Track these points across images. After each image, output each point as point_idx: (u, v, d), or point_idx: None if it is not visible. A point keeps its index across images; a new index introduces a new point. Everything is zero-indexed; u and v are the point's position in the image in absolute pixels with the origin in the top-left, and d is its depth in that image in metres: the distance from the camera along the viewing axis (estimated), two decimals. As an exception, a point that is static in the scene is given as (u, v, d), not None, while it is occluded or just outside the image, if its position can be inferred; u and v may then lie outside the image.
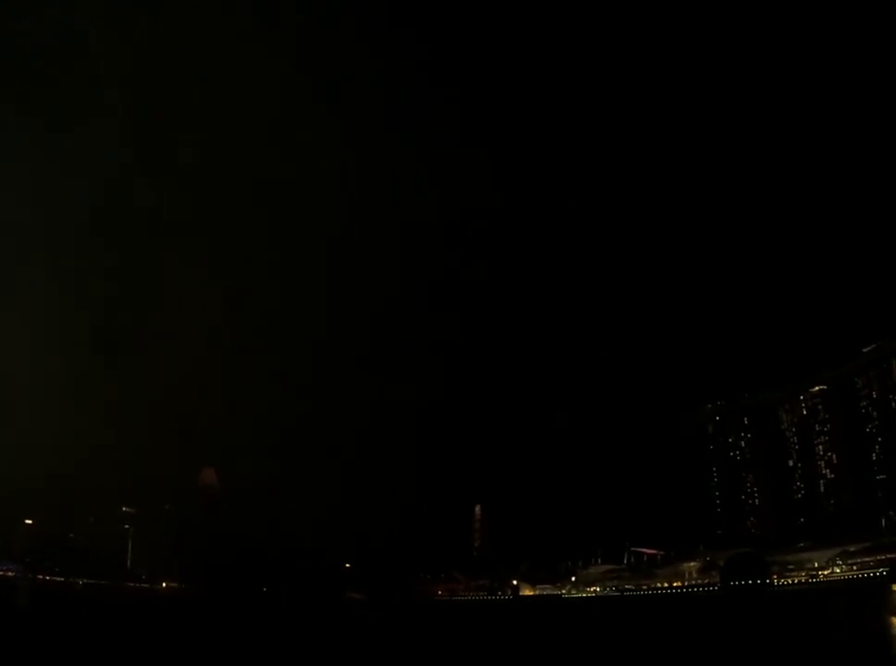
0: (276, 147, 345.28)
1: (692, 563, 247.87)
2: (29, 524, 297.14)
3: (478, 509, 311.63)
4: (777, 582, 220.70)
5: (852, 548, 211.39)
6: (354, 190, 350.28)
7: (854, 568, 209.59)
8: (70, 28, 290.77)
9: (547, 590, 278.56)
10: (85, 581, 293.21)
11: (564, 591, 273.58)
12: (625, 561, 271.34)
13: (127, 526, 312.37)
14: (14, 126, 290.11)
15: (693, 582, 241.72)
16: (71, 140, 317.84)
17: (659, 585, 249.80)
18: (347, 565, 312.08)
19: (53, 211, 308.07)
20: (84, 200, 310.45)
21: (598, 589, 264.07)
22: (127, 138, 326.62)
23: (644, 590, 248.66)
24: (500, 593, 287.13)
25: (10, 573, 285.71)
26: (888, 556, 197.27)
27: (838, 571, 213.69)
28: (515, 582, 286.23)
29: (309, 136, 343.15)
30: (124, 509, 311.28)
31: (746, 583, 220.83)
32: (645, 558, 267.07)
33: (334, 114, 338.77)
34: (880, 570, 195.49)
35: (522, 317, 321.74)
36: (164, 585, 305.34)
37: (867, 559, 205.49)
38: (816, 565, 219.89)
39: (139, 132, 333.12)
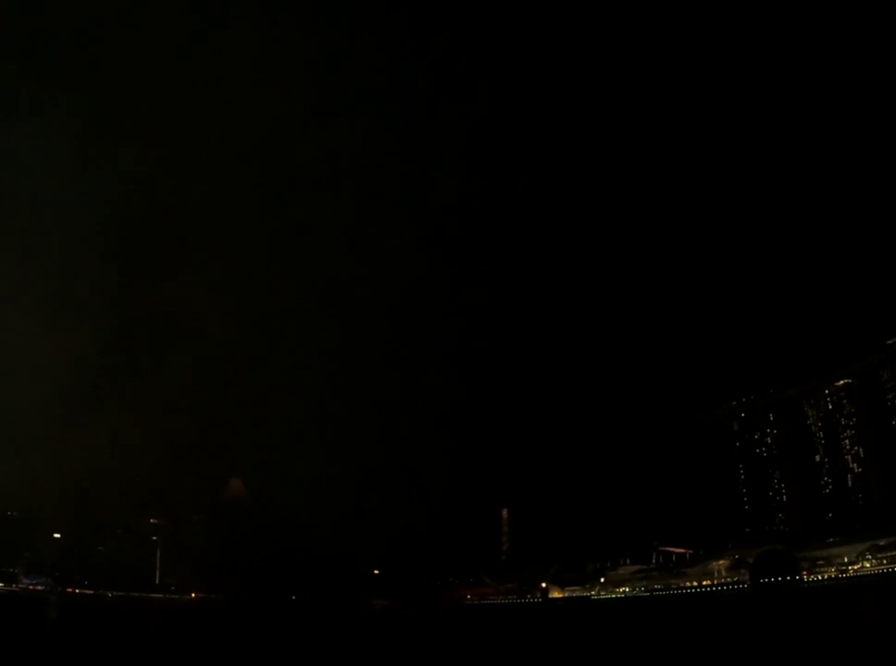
0: (298, 149, 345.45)
1: (721, 561, 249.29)
2: (57, 538, 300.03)
3: (505, 512, 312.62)
4: (807, 578, 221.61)
5: (881, 543, 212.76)
6: (376, 189, 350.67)
7: (885, 562, 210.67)
8: (89, 28, 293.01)
9: (576, 592, 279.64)
10: (115, 593, 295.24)
11: (593, 593, 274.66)
12: (653, 561, 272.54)
13: (155, 538, 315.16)
14: (35, 126, 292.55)
15: (723, 580, 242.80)
16: (94, 139, 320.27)
17: (688, 584, 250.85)
18: (376, 572, 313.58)
19: (77, 213, 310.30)
20: (109, 201, 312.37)
21: (627, 590, 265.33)
22: (151, 138, 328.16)
23: (674, 590, 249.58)
24: (529, 596, 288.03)
25: (40, 587, 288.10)
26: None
27: (868, 565, 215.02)
28: (543, 584, 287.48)
29: (334, 137, 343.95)
30: (152, 520, 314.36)
31: (776, 580, 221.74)
32: (674, 557, 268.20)
33: (355, 115, 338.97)
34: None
35: (548, 318, 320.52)
36: (193, 595, 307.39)
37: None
38: (846, 560, 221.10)
39: (163, 132, 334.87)
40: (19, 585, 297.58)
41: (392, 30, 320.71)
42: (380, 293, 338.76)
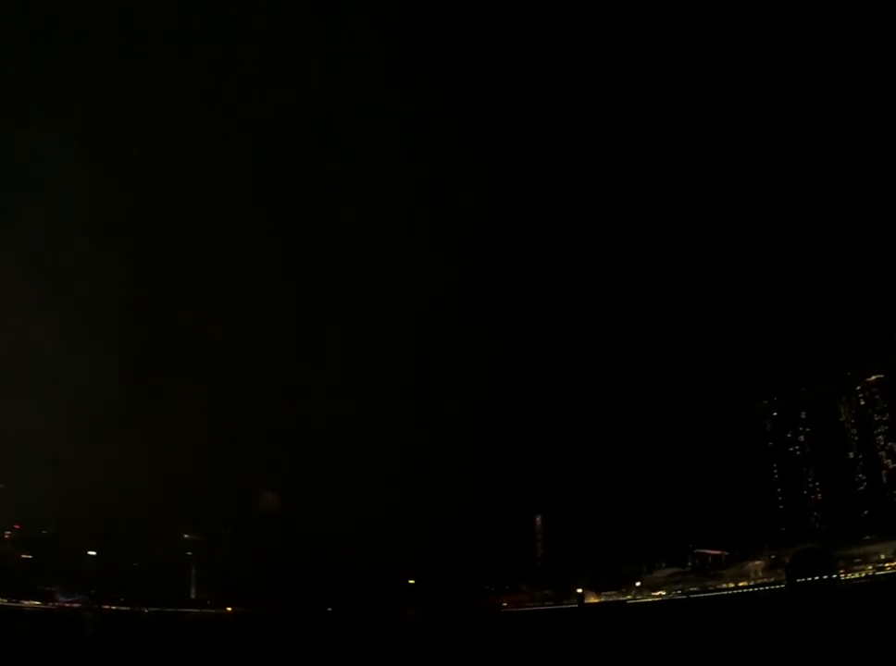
0: (320, 150, 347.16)
1: (757, 562, 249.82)
2: (92, 555, 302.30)
3: (538, 519, 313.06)
4: (845, 577, 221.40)
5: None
6: (396, 191, 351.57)
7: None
8: (108, 33, 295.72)
9: (612, 597, 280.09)
10: (151, 609, 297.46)
11: (629, 597, 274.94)
12: (689, 564, 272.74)
13: (189, 553, 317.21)
14: (56, 128, 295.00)
15: (759, 581, 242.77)
16: (116, 143, 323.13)
17: (725, 585, 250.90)
18: (411, 581, 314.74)
19: (103, 228, 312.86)
20: (136, 214, 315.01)
21: (663, 593, 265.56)
22: (172, 140, 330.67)
23: (710, 592, 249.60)
24: (565, 602, 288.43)
25: (77, 605, 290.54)
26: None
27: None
28: (579, 590, 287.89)
29: (354, 138, 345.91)
30: (186, 536, 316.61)
31: (813, 579, 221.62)
32: (709, 559, 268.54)
33: (374, 117, 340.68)
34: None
35: (581, 320, 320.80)
36: (229, 609, 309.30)
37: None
38: (883, 557, 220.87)
39: (184, 134, 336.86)
40: (56, 603, 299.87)
41: (416, 28, 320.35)
42: (406, 297, 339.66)
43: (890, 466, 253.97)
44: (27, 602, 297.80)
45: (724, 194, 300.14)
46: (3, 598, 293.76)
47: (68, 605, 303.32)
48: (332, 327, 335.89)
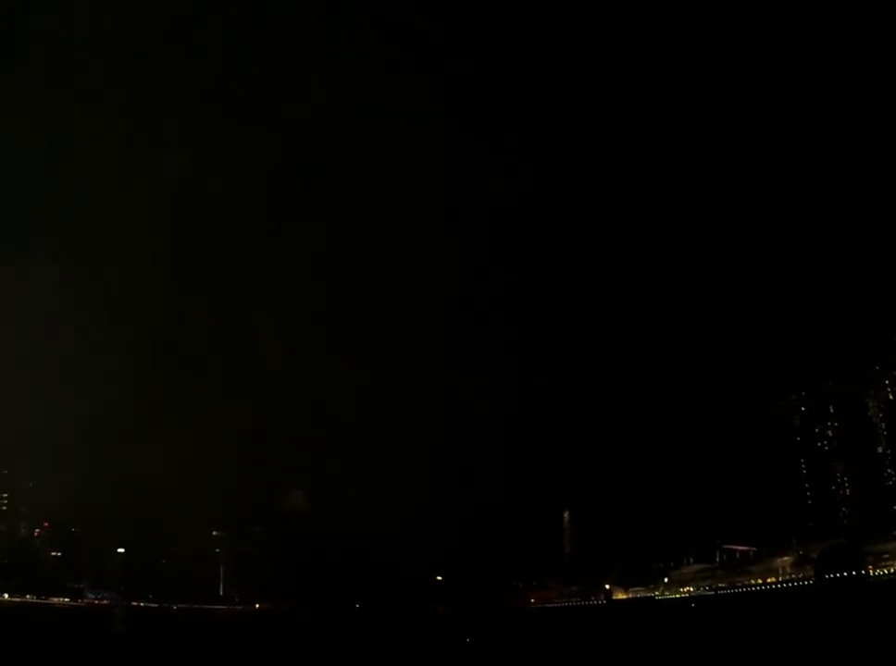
0: (351, 148, 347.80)
1: (786, 558, 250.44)
2: (121, 552, 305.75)
3: (566, 515, 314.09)
4: (874, 572, 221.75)
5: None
6: (428, 188, 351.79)
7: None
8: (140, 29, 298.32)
9: (640, 593, 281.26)
10: (179, 606, 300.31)
11: (657, 593, 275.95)
12: (717, 560, 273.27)
13: (218, 550, 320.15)
14: (85, 126, 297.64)
15: (788, 577, 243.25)
16: (145, 142, 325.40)
17: (753, 581, 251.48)
18: (439, 578, 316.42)
19: (132, 221, 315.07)
20: (164, 208, 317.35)
21: (691, 589, 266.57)
22: (202, 138, 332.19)
23: (739, 588, 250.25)
24: (593, 598, 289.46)
25: (105, 602, 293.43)
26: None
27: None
28: (607, 586, 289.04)
29: (385, 135, 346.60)
30: (214, 533, 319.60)
31: (841, 575, 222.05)
32: (737, 555, 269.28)
33: (406, 114, 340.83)
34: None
35: (605, 315, 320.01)
36: (257, 606, 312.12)
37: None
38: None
39: (214, 132, 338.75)
40: (85, 600, 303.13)
41: (446, 23, 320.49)
42: (437, 294, 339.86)
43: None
44: (56, 599, 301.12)
45: (755, 188, 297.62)
46: (33, 595, 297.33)
47: (97, 602, 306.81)
48: (361, 325, 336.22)
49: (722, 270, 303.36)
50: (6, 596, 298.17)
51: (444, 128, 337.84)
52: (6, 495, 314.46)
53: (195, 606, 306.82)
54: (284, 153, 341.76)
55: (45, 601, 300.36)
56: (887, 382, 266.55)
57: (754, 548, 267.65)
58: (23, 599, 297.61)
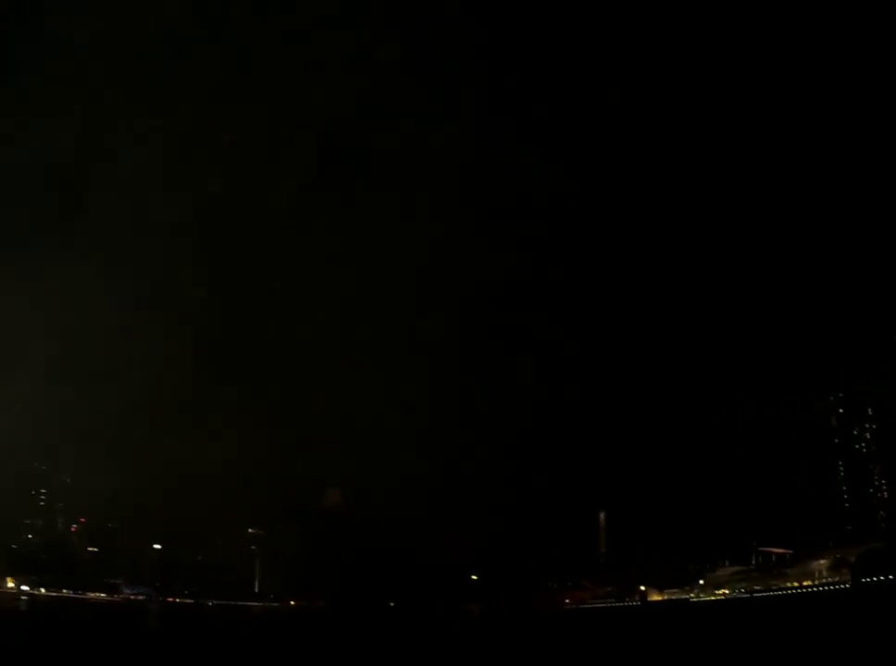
0: (387, 145, 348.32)
1: (822, 561, 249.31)
2: (157, 548, 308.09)
3: (602, 515, 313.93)
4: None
5: None
6: (465, 183, 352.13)
7: None
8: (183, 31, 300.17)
9: (675, 594, 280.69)
10: (214, 602, 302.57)
11: (692, 595, 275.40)
12: (753, 562, 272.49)
13: (254, 547, 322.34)
14: (119, 125, 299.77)
15: (824, 580, 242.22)
16: (177, 139, 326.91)
17: (789, 584, 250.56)
18: (474, 577, 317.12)
19: (169, 216, 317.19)
20: (199, 202, 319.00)
21: (727, 592, 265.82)
22: (243, 137, 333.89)
23: (774, 591, 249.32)
24: (627, 599, 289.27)
25: (141, 597, 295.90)
26: None
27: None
28: (642, 587, 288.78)
29: (420, 131, 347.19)
30: (250, 530, 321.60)
31: (879, 579, 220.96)
32: (773, 558, 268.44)
33: (442, 110, 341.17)
34: None
35: (643, 314, 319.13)
36: (292, 603, 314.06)
37: None
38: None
39: (246, 128, 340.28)
40: (121, 595, 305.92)
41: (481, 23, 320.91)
42: (475, 292, 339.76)
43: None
44: (92, 594, 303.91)
45: (794, 188, 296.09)
46: (69, 590, 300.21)
47: (133, 597, 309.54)
48: (396, 320, 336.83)
49: (759, 269, 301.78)
50: (43, 590, 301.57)
51: (473, 123, 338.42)
52: (43, 491, 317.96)
53: (231, 602, 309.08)
54: (316, 147, 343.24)
55: (82, 596, 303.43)
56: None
57: (791, 551, 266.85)
58: (60, 594, 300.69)
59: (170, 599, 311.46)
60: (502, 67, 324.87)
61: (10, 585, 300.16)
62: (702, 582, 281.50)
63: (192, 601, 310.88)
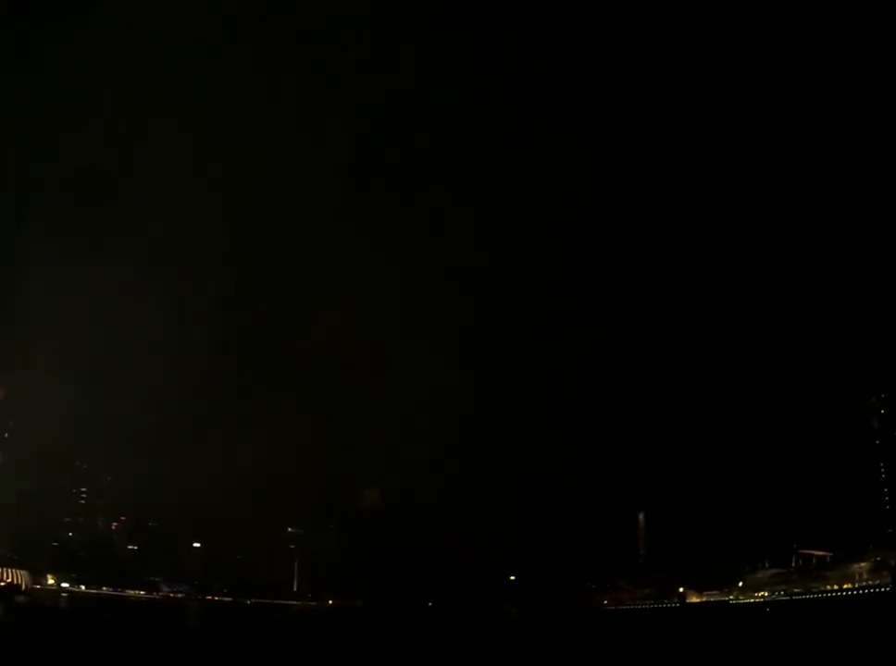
0: (424, 140, 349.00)
1: (862, 564, 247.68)
2: (197, 547, 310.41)
3: (641, 517, 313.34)
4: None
5: None
6: (504, 179, 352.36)
7: None
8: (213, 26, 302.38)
9: (714, 596, 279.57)
10: (253, 600, 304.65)
11: (731, 597, 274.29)
12: (792, 564, 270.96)
13: (292, 546, 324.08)
14: (159, 121, 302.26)
15: (864, 583, 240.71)
16: (218, 133, 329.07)
17: (829, 587, 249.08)
18: (512, 578, 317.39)
19: (202, 213, 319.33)
20: (232, 200, 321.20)
21: (766, 594, 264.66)
22: (275, 128, 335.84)
23: (814, 593, 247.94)
24: (666, 601, 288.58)
25: (180, 595, 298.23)
26: None
27: None
28: (681, 589, 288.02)
29: (459, 126, 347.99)
30: (289, 530, 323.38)
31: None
32: (814, 560, 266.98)
33: (481, 105, 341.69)
34: None
35: (679, 314, 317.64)
36: (330, 602, 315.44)
37: None
38: None
39: (287, 122, 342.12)
40: (161, 593, 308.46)
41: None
42: (511, 289, 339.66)
43: None
44: (132, 591, 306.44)
45: (839, 186, 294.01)
46: (109, 587, 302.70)
47: (172, 595, 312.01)
48: (433, 321, 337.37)
49: (805, 270, 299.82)
50: (83, 588, 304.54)
51: (517, 120, 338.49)
52: (84, 490, 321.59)
53: (269, 601, 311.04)
54: (357, 140, 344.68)
55: (121, 594, 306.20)
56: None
57: (831, 554, 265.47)
58: (99, 592, 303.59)
59: (209, 597, 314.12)
60: (539, 64, 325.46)
61: (51, 582, 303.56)
62: (741, 584, 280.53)
63: (230, 599, 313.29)
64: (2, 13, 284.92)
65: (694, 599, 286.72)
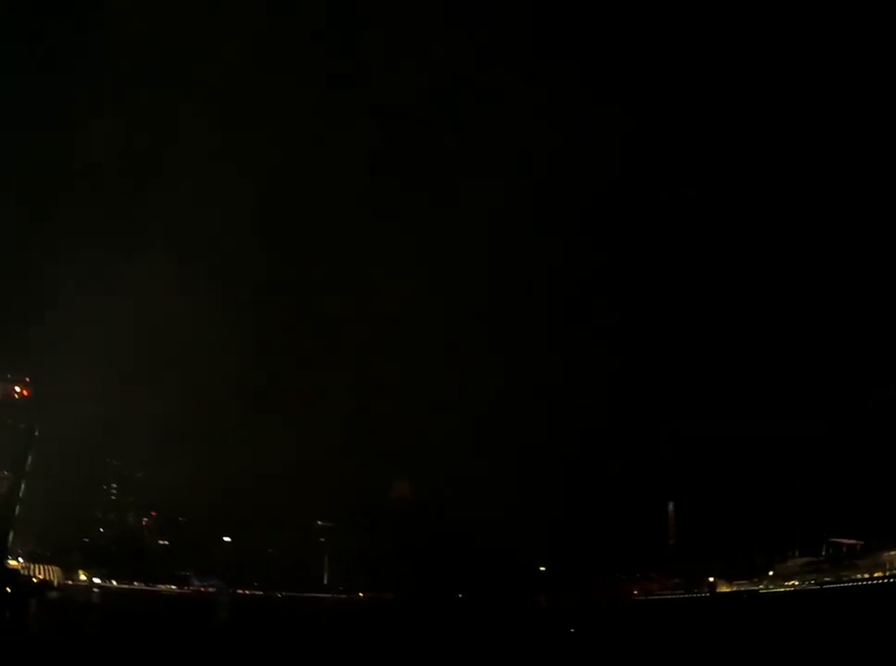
0: (456, 134, 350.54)
1: (893, 552, 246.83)
2: (227, 541, 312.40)
3: (671, 506, 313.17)
4: None
5: None
6: (534, 171, 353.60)
7: None
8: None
9: (744, 586, 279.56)
10: (284, 593, 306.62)
11: (761, 586, 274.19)
12: (823, 553, 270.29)
13: (322, 539, 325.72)
14: (187, 117, 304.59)
15: (895, 572, 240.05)
16: (245, 127, 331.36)
17: (860, 576, 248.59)
18: (542, 568, 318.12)
19: (237, 209, 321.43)
20: (268, 195, 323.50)
21: (796, 583, 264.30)
22: (303, 122, 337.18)
23: (845, 582, 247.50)
24: (696, 590, 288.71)
25: (212, 589, 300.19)
26: None
27: None
28: (711, 579, 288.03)
29: (487, 116, 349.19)
30: (319, 523, 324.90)
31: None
32: (844, 548, 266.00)
33: (510, 97, 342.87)
34: None
35: (713, 302, 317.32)
36: (361, 595, 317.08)
37: None
38: None
39: (315, 115, 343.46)
40: (192, 587, 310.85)
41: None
42: (543, 280, 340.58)
43: None
44: (163, 586, 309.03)
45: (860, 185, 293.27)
46: (140, 582, 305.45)
47: (203, 589, 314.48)
48: (464, 313, 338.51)
49: (832, 260, 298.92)
50: (115, 583, 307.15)
51: (546, 111, 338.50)
52: (114, 485, 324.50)
53: (300, 594, 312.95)
54: (384, 134, 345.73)
55: (153, 589, 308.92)
56: None
57: (862, 542, 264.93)
58: (131, 587, 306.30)
59: (240, 591, 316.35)
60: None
61: (83, 577, 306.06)
62: (771, 573, 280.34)
63: (261, 593, 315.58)
64: (29, 8, 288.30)
65: (724, 589, 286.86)
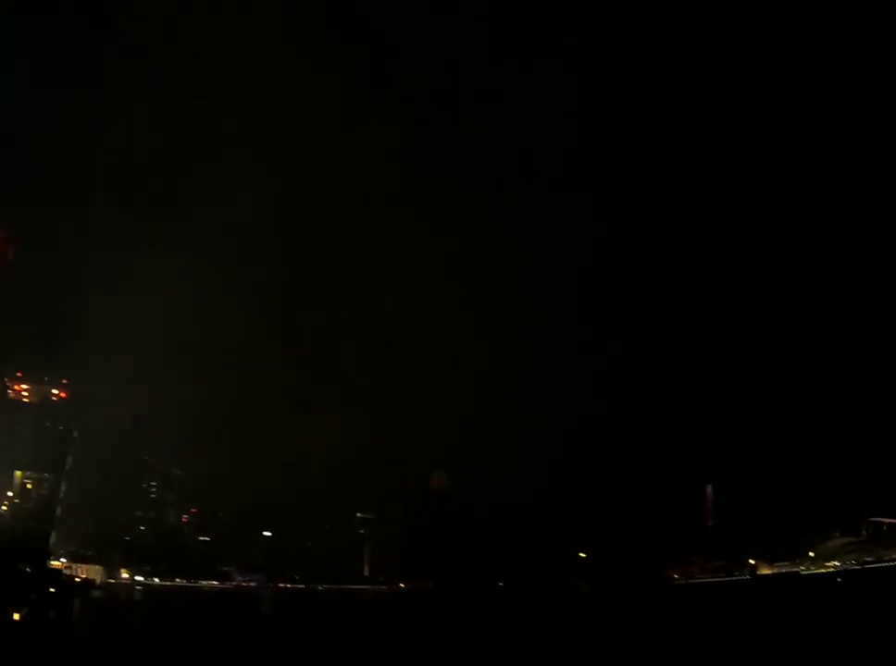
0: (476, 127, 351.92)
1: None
2: (267, 535, 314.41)
3: (709, 489, 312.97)
4: None
5: None
6: (555, 161, 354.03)
7: None
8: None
9: (785, 568, 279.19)
10: (325, 586, 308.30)
11: (802, 567, 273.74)
12: (863, 533, 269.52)
13: (362, 531, 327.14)
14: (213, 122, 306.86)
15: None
16: (275, 121, 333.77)
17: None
18: (581, 554, 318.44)
19: (269, 205, 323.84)
20: (296, 191, 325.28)
21: (837, 564, 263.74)
22: (333, 111, 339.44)
23: (886, 562, 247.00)
24: (737, 573, 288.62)
25: (253, 584, 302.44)
26: None
27: None
28: (751, 561, 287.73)
29: (506, 110, 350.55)
30: (359, 515, 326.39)
31: None
32: (884, 528, 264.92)
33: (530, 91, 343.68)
34: None
35: (749, 293, 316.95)
36: (402, 585, 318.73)
37: None
38: None
39: (344, 104, 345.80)
40: (234, 583, 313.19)
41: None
42: (573, 267, 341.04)
43: None
44: (205, 582, 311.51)
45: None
46: (182, 579, 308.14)
47: (245, 584, 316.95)
48: (497, 302, 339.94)
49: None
50: (157, 580, 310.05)
51: (576, 97, 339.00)
52: (154, 484, 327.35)
53: (341, 586, 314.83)
54: (414, 124, 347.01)
55: (195, 585, 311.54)
56: None
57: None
58: (173, 583, 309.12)
59: (281, 585, 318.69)
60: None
61: (125, 576, 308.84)
62: (811, 554, 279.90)
63: (302, 586, 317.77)
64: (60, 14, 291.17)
65: (765, 571, 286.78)
